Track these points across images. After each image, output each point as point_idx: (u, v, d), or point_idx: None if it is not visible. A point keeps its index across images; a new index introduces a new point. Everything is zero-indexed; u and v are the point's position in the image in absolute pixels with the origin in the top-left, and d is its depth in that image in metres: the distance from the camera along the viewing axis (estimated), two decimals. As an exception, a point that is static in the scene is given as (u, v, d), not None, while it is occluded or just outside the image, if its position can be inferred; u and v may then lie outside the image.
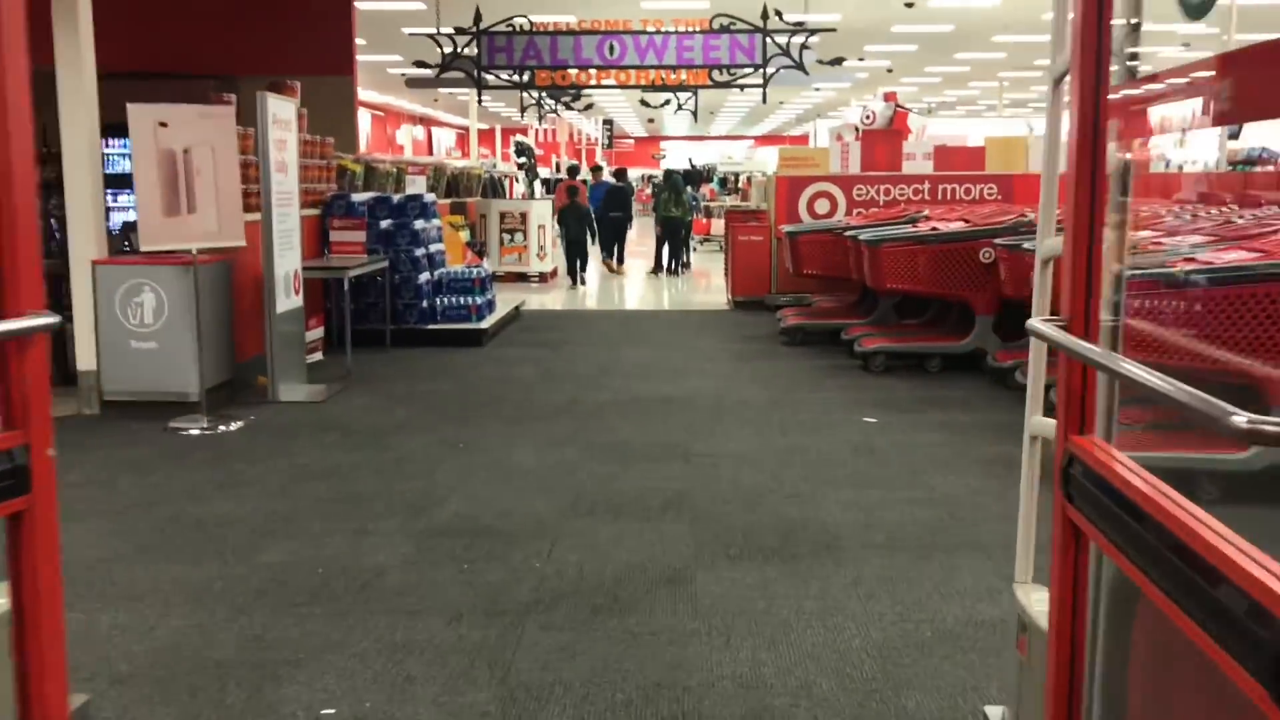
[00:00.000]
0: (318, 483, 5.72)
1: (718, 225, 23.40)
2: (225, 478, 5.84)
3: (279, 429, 6.98)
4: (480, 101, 17.57)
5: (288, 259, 8.05)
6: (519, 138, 24.27)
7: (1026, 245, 7.83)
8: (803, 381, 8.64)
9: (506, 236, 16.54)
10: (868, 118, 14.70)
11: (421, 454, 6.33)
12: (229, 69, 13.81)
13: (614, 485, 5.67)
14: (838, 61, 16.11)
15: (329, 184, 10.42)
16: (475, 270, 10.78)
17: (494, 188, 18.94)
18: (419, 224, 10.35)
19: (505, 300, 12.93)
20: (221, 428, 6.94)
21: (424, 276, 10.34)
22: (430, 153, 44.78)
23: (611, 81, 16.37)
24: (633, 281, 17.78)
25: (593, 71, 16.07)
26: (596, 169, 23.84)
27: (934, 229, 9.19)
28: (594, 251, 18.50)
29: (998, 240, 8.42)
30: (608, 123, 39.40)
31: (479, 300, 10.53)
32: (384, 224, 10.25)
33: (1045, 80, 2.56)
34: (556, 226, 19.30)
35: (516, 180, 20.90)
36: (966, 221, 9.21)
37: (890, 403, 7.75)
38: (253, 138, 7.87)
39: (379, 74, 32.07)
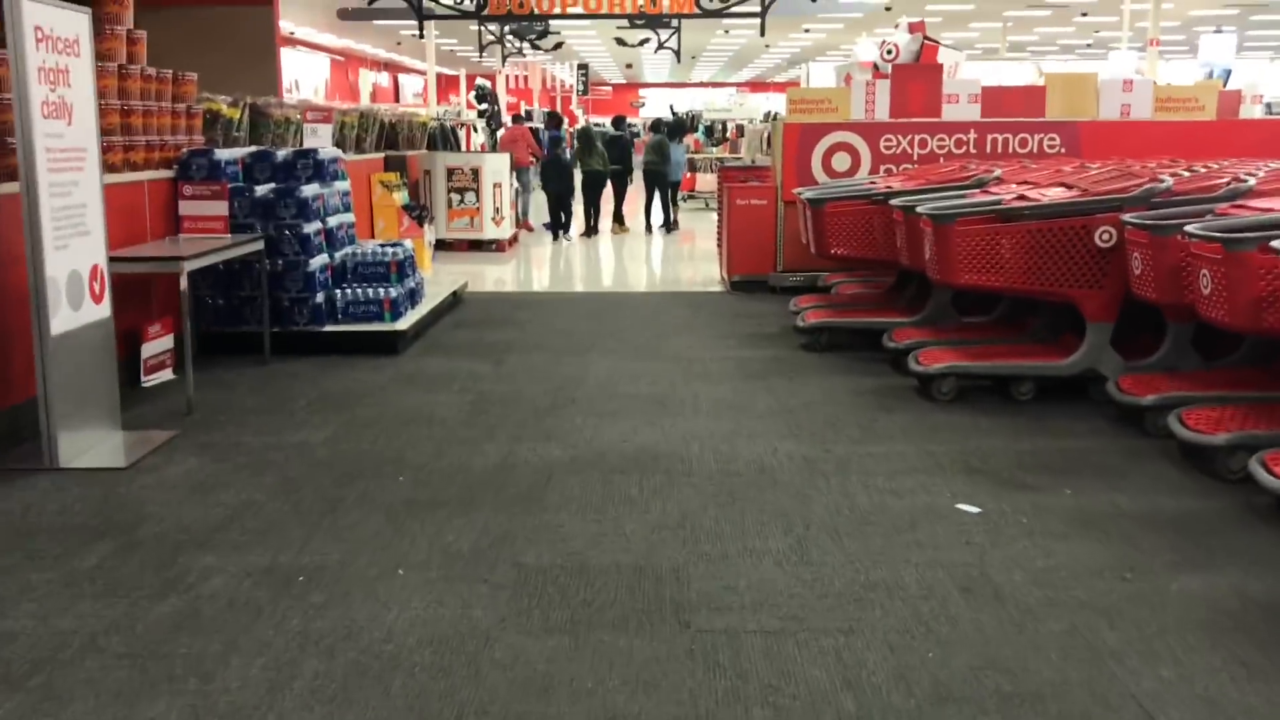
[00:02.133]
0: (-7, 702, 2.97)
1: (705, 181, 20.53)
2: None
3: (7, 540, 4.21)
4: (421, 35, 14.63)
5: (76, 251, 5.24)
6: (481, 81, 21.24)
7: (1180, 225, 5.12)
8: (844, 421, 5.90)
9: (455, 197, 13.68)
10: (889, 53, 11.82)
11: (224, 605, 3.58)
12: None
13: (545, 710, 2.95)
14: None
15: (191, 136, 7.57)
16: (391, 250, 7.95)
17: (445, 139, 16.01)
18: (309, 190, 7.51)
19: (445, 279, 10.12)
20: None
21: (318, 261, 7.53)
22: (396, 101, 41.53)
23: (579, 8, 13.47)
24: (598, 249, 14.95)
25: (557, -1, 13.20)
26: (553, 116, 20.91)
27: (1021, 198, 6.43)
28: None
29: (1127, 216, 5.67)
30: (582, 68, 36.27)
31: (394, 291, 7.72)
32: (262, 191, 7.41)
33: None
34: (535, 180, 16.73)
35: (474, 129, 17.95)
36: (1070, 188, 6.44)
37: (987, 468, 5.03)
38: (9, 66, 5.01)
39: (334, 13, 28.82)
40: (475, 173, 13.62)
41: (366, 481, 4.85)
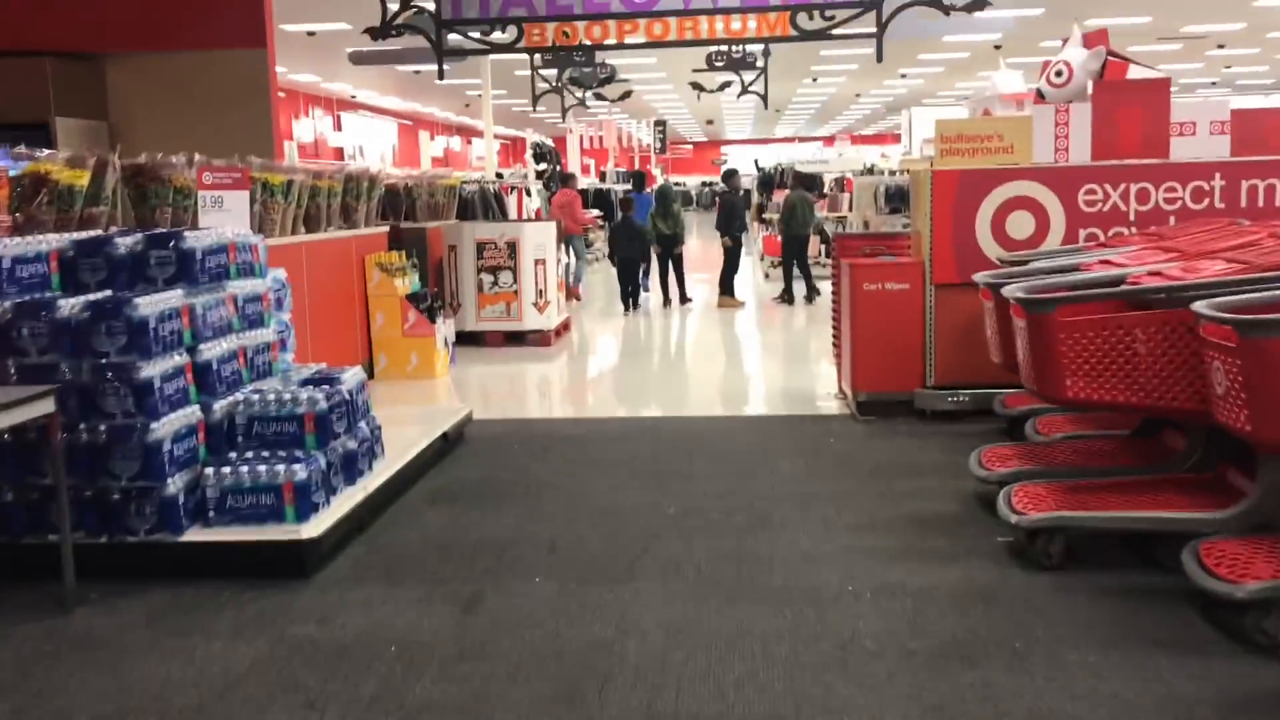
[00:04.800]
0: None
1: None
2: None
3: None
4: (441, 77, 11.59)
5: None
6: (536, 137, 18.23)
7: None
8: None
9: (488, 278, 10.50)
10: (1058, 74, 8.33)
11: None
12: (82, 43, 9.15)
13: None
14: (978, 4, 9.84)
15: (-13, 214, 4.47)
16: (309, 396, 4.67)
17: (486, 206, 12.93)
18: (156, 303, 4.28)
19: (439, 407, 6.88)
20: None
21: (171, 423, 4.30)
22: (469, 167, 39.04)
23: (640, 36, 10.29)
24: (672, 332, 11.62)
25: (610, 25, 10.05)
26: (637, 176, 17.81)
27: None
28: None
29: None
30: (659, 124, 33.32)
31: (305, 470, 4.41)
32: (69, 309, 4.23)
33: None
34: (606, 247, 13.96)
35: (527, 194, 14.86)
36: None
37: None
38: None
39: (402, 78, 26.30)
40: (512, 247, 10.44)
41: None
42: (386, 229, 9.43)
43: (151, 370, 4.21)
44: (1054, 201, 6.65)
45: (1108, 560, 4.20)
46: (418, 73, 25.80)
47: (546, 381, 9.45)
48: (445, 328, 9.11)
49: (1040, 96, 7.76)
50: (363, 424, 5.15)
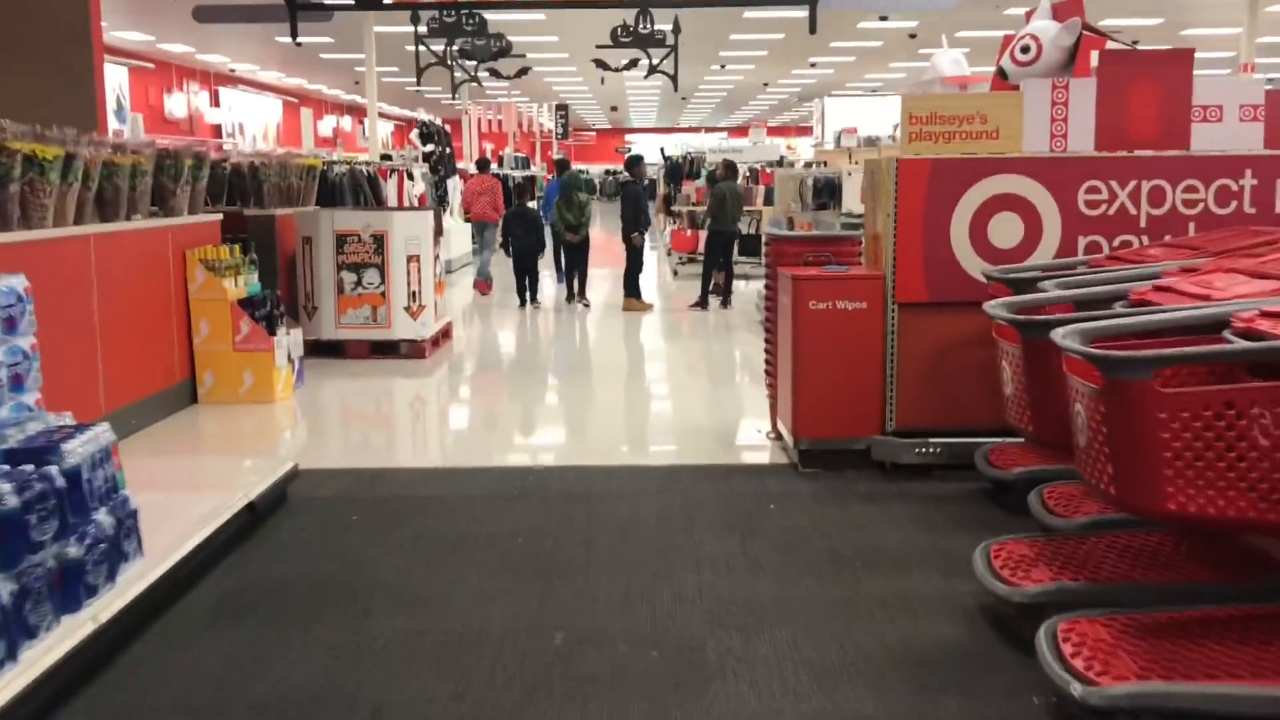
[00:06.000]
0: None
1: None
2: None
3: None
4: (295, 38, 9.69)
5: None
6: (425, 116, 16.38)
7: None
8: None
9: (349, 277, 8.74)
10: (1024, 50, 6.88)
11: None
12: None
13: None
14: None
15: None
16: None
17: (356, 190, 11.13)
18: None
19: (254, 459, 5.22)
20: None
21: None
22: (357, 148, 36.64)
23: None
24: (576, 342, 10.00)
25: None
26: (561, 163, 16.24)
27: None
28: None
29: None
30: (562, 109, 31.58)
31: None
32: None
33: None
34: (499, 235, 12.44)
35: (409, 177, 13.05)
36: None
37: None
38: None
39: (286, 51, 24.02)
40: (379, 240, 8.68)
41: None
42: (219, 217, 7.62)
43: None
44: (1047, 201, 5.23)
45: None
46: (299, 44, 23.65)
47: (412, 410, 7.73)
48: (289, 340, 7.35)
49: (1002, 77, 6.31)
50: (100, 515, 3.44)
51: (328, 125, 36.16)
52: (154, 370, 6.71)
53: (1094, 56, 5.86)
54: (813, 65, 28.27)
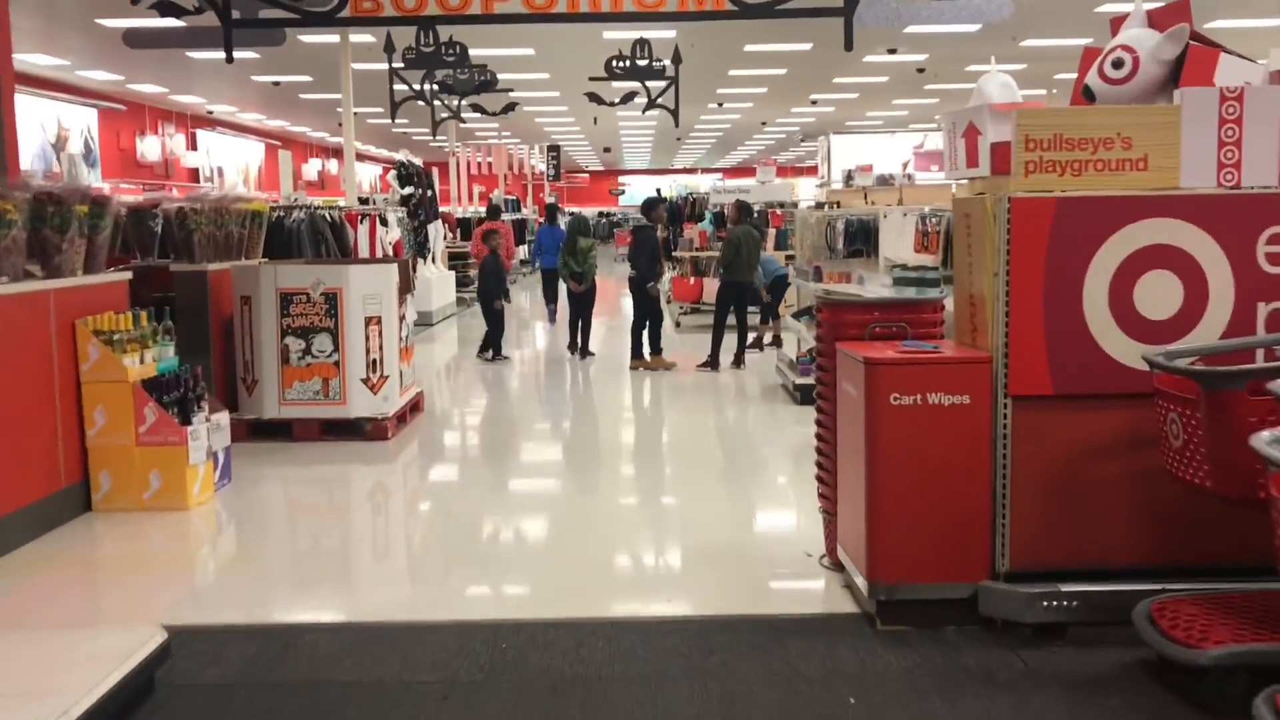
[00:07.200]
0: None
1: (712, 288, 14.12)
2: None
3: None
4: (230, 59, 8.22)
5: None
6: (404, 156, 14.93)
7: None
8: None
9: (296, 344, 7.22)
10: (1116, 65, 5.38)
11: None
12: None
13: None
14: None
15: None
16: None
17: (316, 240, 9.63)
18: None
19: (204, 544, 3.59)
20: None
21: None
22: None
23: (516, 6, 7.26)
24: (578, 415, 8.45)
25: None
26: (550, 208, 14.95)
27: None
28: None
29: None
30: (553, 149, 30.25)
31: None
32: None
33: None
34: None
35: (382, 223, 11.56)
36: None
37: None
38: None
39: (264, 91, 22.65)
40: (331, 300, 7.17)
41: None
42: (126, 276, 6.10)
43: None
44: (1215, 254, 3.75)
45: None
46: (277, 84, 22.32)
47: (358, 521, 6.02)
48: (209, 429, 5.81)
49: (1088, 99, 4.82)
50: None
51: (313, 169, 34.80)
52: (30, 473, 5.18)
53: (1219, 68, 4.42)
54: (814, 102, 27.00)
